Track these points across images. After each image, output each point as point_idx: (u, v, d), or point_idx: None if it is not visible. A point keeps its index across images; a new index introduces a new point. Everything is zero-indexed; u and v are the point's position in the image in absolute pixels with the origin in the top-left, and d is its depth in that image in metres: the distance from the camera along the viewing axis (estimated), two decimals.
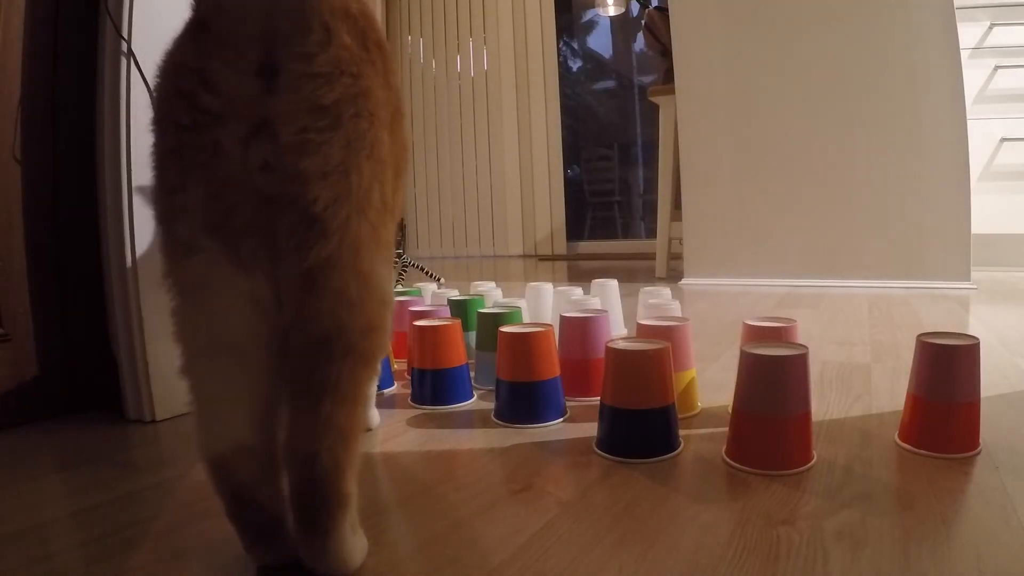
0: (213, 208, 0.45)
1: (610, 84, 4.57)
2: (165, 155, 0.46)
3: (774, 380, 0.69)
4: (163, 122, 0.46)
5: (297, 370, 0.47)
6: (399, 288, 1.65)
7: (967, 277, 2.08)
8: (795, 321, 0.92)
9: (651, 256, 3.00)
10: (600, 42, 4.58)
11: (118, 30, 0.91)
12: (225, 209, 0.45)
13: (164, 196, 0.47)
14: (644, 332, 0.90)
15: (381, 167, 0.49)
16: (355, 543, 0.51)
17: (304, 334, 0.46)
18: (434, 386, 0.97)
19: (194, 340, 0.48)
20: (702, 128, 2.44)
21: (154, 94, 0.48)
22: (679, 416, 0.82)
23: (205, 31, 0.46)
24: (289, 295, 0.46)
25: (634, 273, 2.95)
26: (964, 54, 2.31)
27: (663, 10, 2.63)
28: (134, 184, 0.92)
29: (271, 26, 0.45)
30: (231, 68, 0.44)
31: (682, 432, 0.81)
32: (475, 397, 1.02)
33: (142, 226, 0.93)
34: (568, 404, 0.94)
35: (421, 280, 2.49)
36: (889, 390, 0.97)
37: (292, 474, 0.48)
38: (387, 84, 0.51)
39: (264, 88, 0.44)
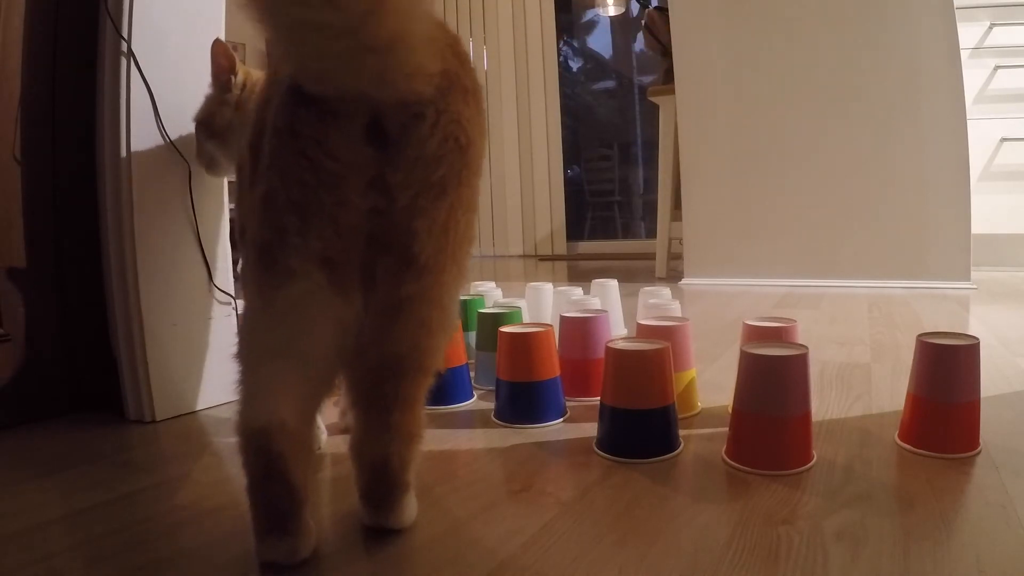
0: (330, 247, 0.50)
1: (610, 84, 4.56)
2: (287, 203, 0.50)
3: (774, 380, 0.69)
4: (286, 177, 0.50)
5: (368, 380, 0.54)
6: None
7: (967, 277, 2.08)
8: (795, 321, 0.92)
9: (651, 256, 3.00)
10: (600, 42, 4.57)
11: (118, 30, 0.91)
12: (340, 247, 0.51)
13: (277, 234, 0.50)
14: (644, 332, 0.90)
15: (474, 214, 0.56)
16: (412, 505, 0.59)
17: (382, 352, 0.53)
18: (434, 386, 0.97)
19: (266, 343, 0.53)
20: (702, 128, 2.44)
21: (269, 147, 0.51)
22: (679, 416, 0.82)
23: (317, 100, 0.49)
24: (376, 319, 0.52)
25: (634, 273, 2.95)
26: (964, 54, 2.31)
27: (663, 10, 2.63)
28: (134, 184, 0.92)
29: (380, 103, 0.49)
30: (346, 136, 0.49)
31: (682, 432, 0.81)
32: (475, 397, 1.02)
33: (142, 226, 0.93)
34: (568, 404, 0.94)
35: None
36: (889, 390, 0.97)
37: (364, 471, 0.56)
38: (482, 127, 0.57)
39: (375, 149, 0.49)
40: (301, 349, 0.52)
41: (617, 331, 1.40)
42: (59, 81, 0.97)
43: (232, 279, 1.05)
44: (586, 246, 4.38)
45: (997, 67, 2.56)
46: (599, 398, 0.79)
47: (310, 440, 0.57)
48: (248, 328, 0.55)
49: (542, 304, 1.42)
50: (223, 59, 0.86)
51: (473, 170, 0.55)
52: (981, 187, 2.53)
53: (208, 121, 0.89)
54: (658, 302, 1.21)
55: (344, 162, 0.49)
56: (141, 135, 0.93)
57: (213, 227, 1.02)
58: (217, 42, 0.87)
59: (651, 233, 3.72)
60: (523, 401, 0.88)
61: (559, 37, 4.28)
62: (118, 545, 0.58)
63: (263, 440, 0.50)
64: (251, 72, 0.89)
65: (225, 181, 1.05)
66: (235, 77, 0.87)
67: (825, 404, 0.92)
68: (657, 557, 0.53)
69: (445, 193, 0.52)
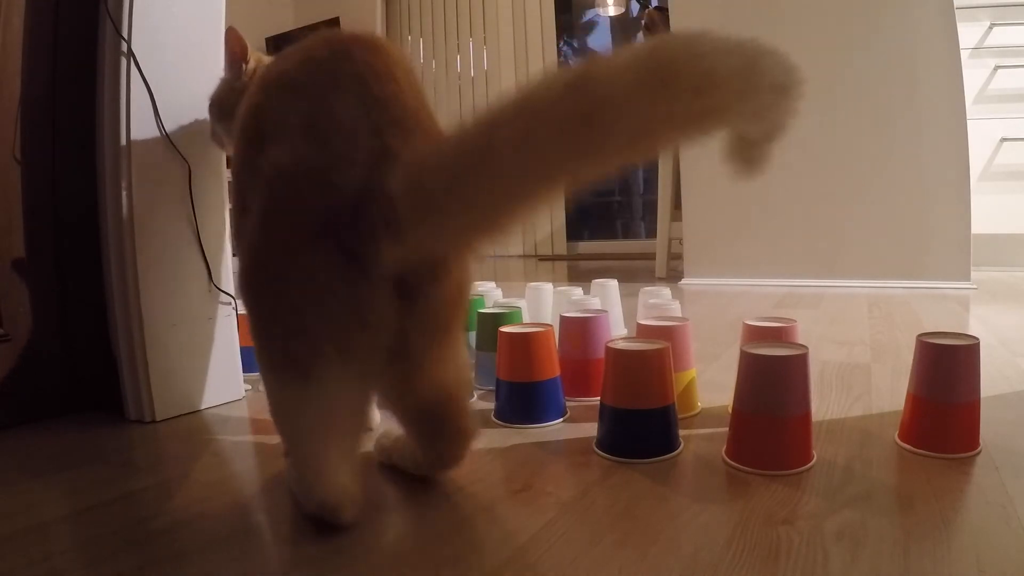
0: (362, 371, 0.57)
1: None
2: (332, 345, 0.54)
3: (774, 380, 0.69)
4: (336, 328, 0.54)
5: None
6: None
7: (967, 277, 2.08)
8: (795, 321, 0.92)
9: (651, 256, 3.00)
10: (600, 42, 4.57)
11: (118, 30, 0.91)
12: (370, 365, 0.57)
13: (319, 359, 0.55)
14: (644, 332, 0.90)
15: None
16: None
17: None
18: None
19: (305, 424, 0.58)
20: None
21: (316, 299, 0.54)
22: (679, 416, 0.82)
23: (384, 279, 0.54)
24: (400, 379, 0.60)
25: (634, 273, 2.95)
26: (964, 54, 2.31)
27: (663, 10, 2.63)
28: (134, 183, 0.92)
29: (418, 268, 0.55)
30: (388, 300, 0.54)
31: (682, 432, 0.81)
32: (475, 397, 1.02)
33: (142, 226, 0.93)
34: (568, 404, 0.94)
35: None
36: (889, 390, 0.97)
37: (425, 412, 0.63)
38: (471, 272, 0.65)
39: (400, 301, 0.55)
40: (338, 422, 0.59)
41: (617, 331, 1.40)
42: (59, 81, 0.97)
43: (232, 279, 1.05)
44: (586, 246, 4.38)
45: (997, 67, 2.56)
46: (599, 398, 0.79)
47: (358, 478, 0.62)
48: (282, 413, 0.60)
49: (542, 304, 1.42)
50: (236, 46, 0.87)
51: (467, 303, 0.62)
52: (981, 187, 2.53)
53: (219, 104, 0.90)
54: (658, 302, 1.21)
55: (385, 319, 0.55)
56: (141, 135, 0.93)
57: (213, 227, 1.02)
58: (230, 29, 0.87)
59: (651, 233, 3.71)
60: (523, 401, 0.88)
61: (559, 37, 4.28)
62: (118, 545, 0.58)
63: (331, 512, 0.58)
64: (263, 58, 0.90)
65: (225, 181, 1.05)
66: (246, 64, 0.87)
67: (825, 404, 0.92)
68: (657, 557, 0.53)
69: (450, 329, 0.60)
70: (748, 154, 0.51)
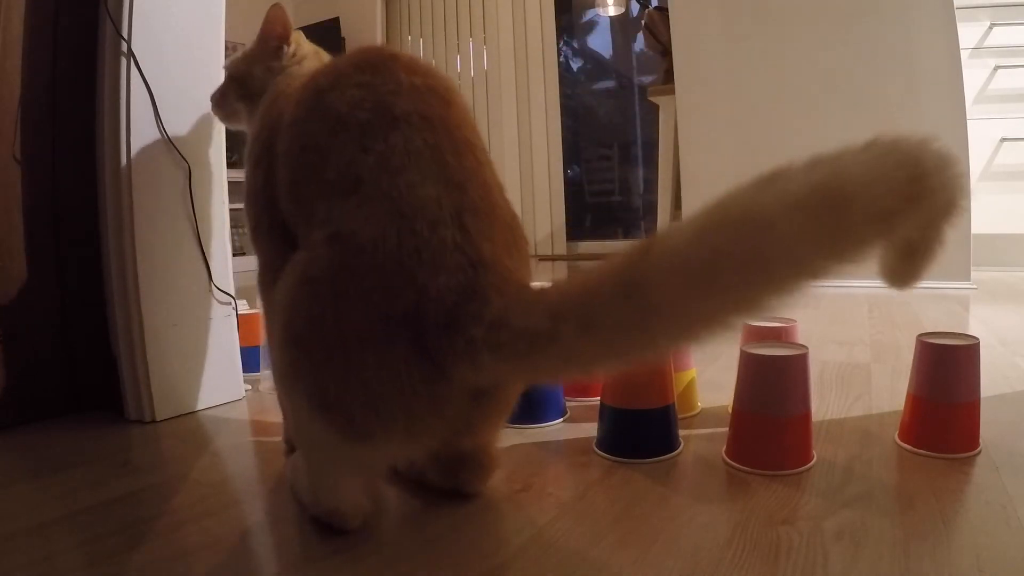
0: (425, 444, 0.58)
1: (610, 84, 4.56)
2: (404, 432, 0.55)
3: (774, 380, 0.69)
4: (412, 417, 0.55)
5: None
6: None
7: (967, 277, 2.08)
8: (795, 321, 0.92)
9: None
10: (600, 42, 4.57)
11: (118, 30, 0.91)
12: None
13: (388, 434, 0.55)
14: None
15: None
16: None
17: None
18: None
19: (347, 460, 0.59)
20: (702, 128, 2.43)
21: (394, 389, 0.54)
22: (679, 416, 0.82)
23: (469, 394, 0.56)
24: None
25: None
26: (964, 54, 2.31)
27: (663, 10, 2.63)
28: (134, 183, 0.92)
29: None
30: (463, 399, 0.56)
31: (682, 432, 0.81)
32: None
33: (142, 227, 0.93)
34: (568, 404, 0.94)
35: None
36: (889, 390, 0.97)
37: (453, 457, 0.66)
38: None
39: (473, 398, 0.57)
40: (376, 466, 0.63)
41: None
42: (59, 81, 0.97)
43: (231, 279, 1.05)
44: (586, 246, 4.38)
45: (997, 67, 2.56)
46: (599, 398, 0.79)
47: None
48: (317, 447, 0.59)
49: None
50: (278, 26, 0.81)
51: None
52: (981, 187, 2.53)
53: (244, 80, 0.83)
54: None
55: (459, 410, 0.56)
56: (141, 135, 0.93)
57: (213, 227, 1.02)
58: (276, 6, 0.81)
59: (651, 233, 3.71)
60: (523, 401, 0.88)
61: (559, 37, 4.28)
62: (118, 545, 0.58)
63: (340, 519, 0.59)
64: (302, 43, 0.84)
65: (225, 181, 1.05)
66: (287, 47, 0.82)
67: (825, 404, 0.92)
68: (657, 557, 0.53)
69: (508, 411, 0.63)
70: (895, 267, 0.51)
